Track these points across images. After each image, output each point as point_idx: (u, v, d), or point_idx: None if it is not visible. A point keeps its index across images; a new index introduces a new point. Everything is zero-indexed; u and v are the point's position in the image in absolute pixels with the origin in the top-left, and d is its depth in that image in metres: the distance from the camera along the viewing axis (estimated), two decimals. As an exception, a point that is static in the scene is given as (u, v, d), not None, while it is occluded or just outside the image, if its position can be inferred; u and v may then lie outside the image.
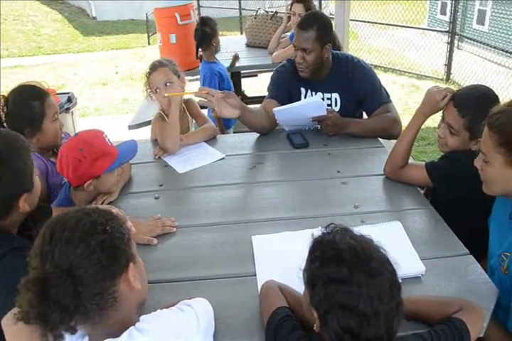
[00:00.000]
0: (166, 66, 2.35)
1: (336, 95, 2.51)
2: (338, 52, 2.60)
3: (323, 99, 2.49)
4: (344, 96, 2.50)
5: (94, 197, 1.91)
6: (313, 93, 2.53)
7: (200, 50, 3.81)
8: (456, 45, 7.71)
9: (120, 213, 1.12)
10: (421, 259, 1.47)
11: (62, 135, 2.15)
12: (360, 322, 0.94)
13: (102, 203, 1.88)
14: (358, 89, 2.46)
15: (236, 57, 4.10)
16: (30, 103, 1.98)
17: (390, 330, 0.96)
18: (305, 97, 2.54)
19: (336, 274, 0.97)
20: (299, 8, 3.96)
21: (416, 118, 1.93)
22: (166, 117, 2.38)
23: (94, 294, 0.96)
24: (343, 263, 0.98)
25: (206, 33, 3.68)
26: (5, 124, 1.97)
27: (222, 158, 2.26)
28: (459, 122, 1.77)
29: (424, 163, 1.90)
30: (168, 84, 2.32)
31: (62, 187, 1.95)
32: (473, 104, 1.75)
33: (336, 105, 2.52)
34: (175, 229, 1.72)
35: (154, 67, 2.35)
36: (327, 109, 2.37)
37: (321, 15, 2.57)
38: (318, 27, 2.36)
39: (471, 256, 1.52)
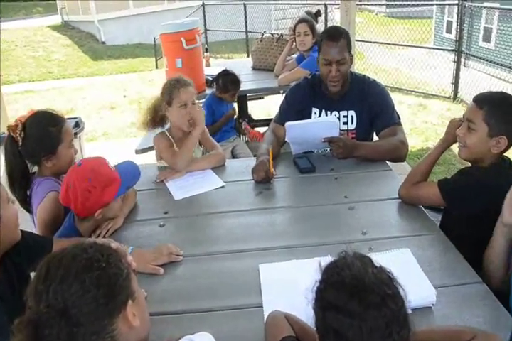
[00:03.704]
0: (192, 86, 2.39)
1: (352, 112, 2.52)
2: (353, 71, 2.62)
3: (339, 117, 2.50)
4: (360, 113, 2.51)
5: (99, 223, 1.89)
6: (329, 112, 2.53)
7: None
8: (462, 63, 7.72)
9: (120, 247, 1.10)
10: (431, 288, 1.43)
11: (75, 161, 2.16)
12: None
13: (107, 231, 1.87)
14: (372, 106, 2.48)
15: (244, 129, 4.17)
16: (49, 129, 2.01)
17: None
18: (319, 117, 2.55)
19: (334, 300, 0.97)
20: (303, 28, 3.99)
21: (439, 145, 1.98)
22: (169, 136, 2.42)
23: (91, 333, 0.94)
24: (342, 289, 0.97)
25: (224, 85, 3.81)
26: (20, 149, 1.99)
27: (222, 187, 2.23)
28: (477, 114, 1.74)
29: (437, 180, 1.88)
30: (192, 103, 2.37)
31: (67, 216, 1.94)
32: (492, 97, 1.79)
33: (352, 123, 2.52)
34: (181, 257, 1.70)
35: (184, 82, 2.37)
36: (340, 132, 2.36)
37: (340, 27, 2.67)
38: (345, 36, 2.43)
39: (484, 283, 1.48)
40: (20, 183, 2.05)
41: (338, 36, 2.40)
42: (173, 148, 2.39)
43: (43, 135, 2.00)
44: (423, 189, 1.91)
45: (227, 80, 3.80)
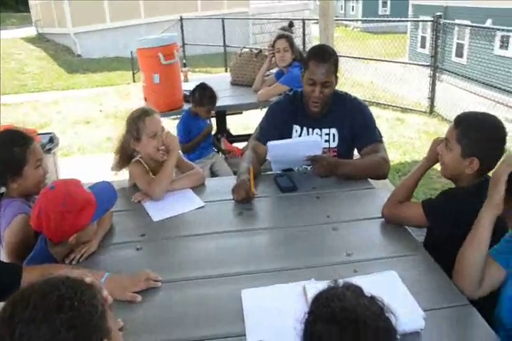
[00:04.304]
0: (157, 113, 2.31)
1: (334, 130, 2.48)
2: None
3: (320, 135, 2.46)
4: (342, 131, 2.47)
5: (73, 247, 1.80)
6: (310, 130, 2.49)
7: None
8: (437, 77, 7.85)
9: (95, 281, 1.03)
10: (418, 311, 1.39)
11: (46, 182, 2.07)
12: None
13: (81, 255, 1.78)
14: (355, 124, 2.44)
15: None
16: (12, 149, 1.93)
17: None
18: (300, 135, 2.50)
19: (324, 333, 0.94)
20: (282, 44, 3.98)
21: (423, 163, 1.97)
22: (144, 164, 2.32)
23: None
24: (332, 322, 0.93)
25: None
26: None
27: (202, 207, 2.15)
28: (452, 133, 1.76)
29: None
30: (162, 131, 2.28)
31: (38, 239, 1.85)
32: (469, 117, 1.78)
33: (333, 140, 2.49)
34: (159, 283, 1.62)
35: (148, 111, 2.27)
36: (323, 150, 2.32)
37: (329, 47, 2.60)
38: (334, 58, 2.38)
39: (471, 306, 1.45)
40: None
41: (327, 58, 2.34)
42: (149, 175, 2.29)
43: (7, 155, 1.93)
44: (406, 209, 1.89)
45: (204, 94, 3.72)
